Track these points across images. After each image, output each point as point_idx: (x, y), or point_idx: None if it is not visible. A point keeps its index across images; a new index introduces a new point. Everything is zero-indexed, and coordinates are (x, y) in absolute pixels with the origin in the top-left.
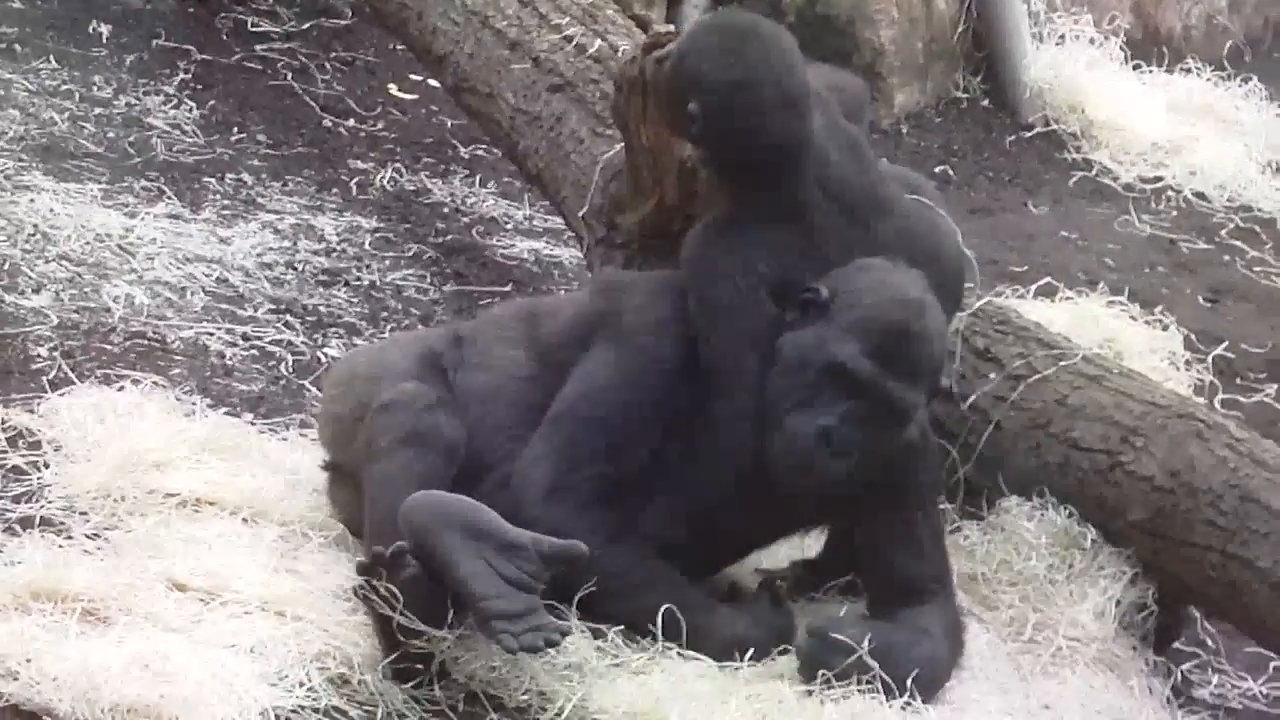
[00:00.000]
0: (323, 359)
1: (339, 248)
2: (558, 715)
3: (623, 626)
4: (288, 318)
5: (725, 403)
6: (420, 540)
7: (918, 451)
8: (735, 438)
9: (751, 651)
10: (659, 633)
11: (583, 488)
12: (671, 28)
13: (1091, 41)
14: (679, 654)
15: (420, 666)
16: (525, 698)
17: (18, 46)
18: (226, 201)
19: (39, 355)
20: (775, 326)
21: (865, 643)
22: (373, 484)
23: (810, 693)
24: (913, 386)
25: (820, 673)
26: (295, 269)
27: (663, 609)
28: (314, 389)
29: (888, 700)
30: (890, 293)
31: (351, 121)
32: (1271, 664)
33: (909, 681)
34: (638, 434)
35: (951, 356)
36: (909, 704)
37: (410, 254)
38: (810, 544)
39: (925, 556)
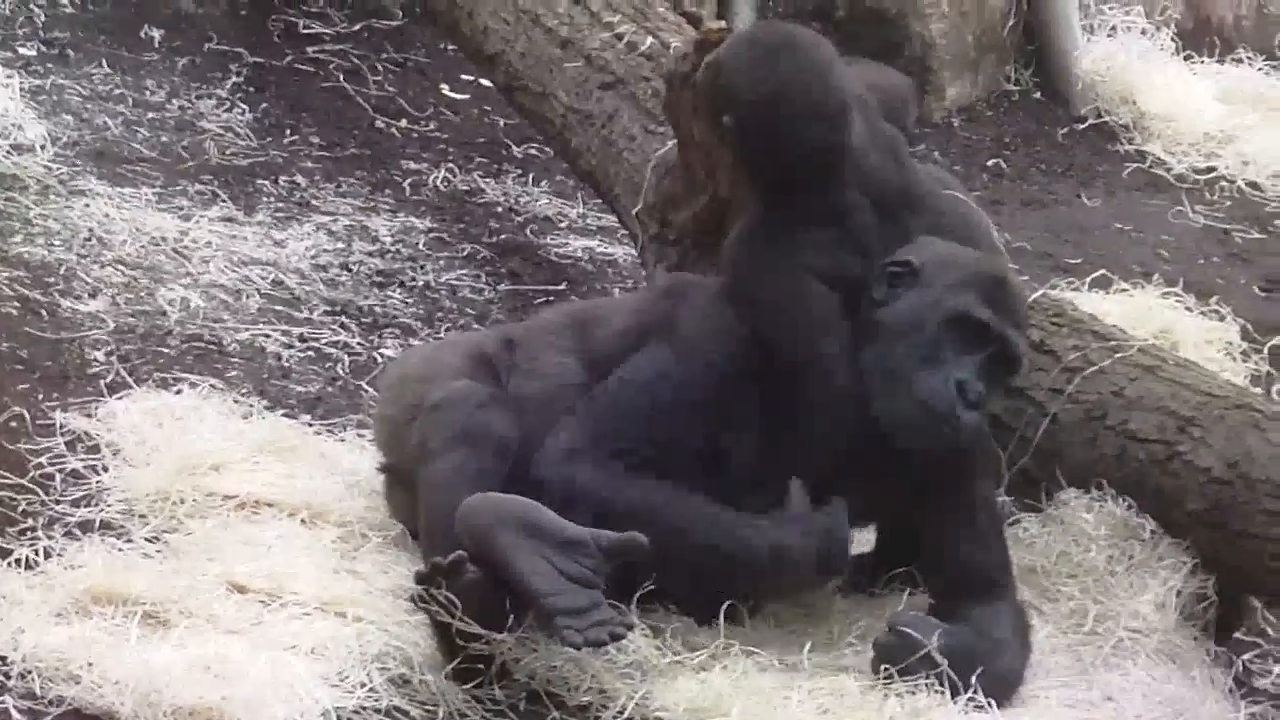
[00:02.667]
0: (379, 359)
1: (393, 248)
2: (619, 713)
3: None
4: (343, 319)
5: (814, 389)
6: (478, 542)
7: (978, 441)
8: (833, 420)
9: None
10: (694, 553)
11: (601, 453)
12: (724, 24)
13: (1143, 33)
14: (741, 650)
15: (481, 667)
16: (587, 696)
17: (70, 51)
18: (280, 204)
19: (96, 359)
20: (837, 309)
21: (935, 639)
22: (427, 485)
23: (874, 687)
24: (1020, 334)
25: (883, 668)
26: (350, 270)
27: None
28: (370, 390)
29: (954, 698)
30: (975, 253)
31: (404, 122)
32: None
33: (977, 681)
34: (674, 433)
35: None
36: (973, 700)
37: (464, 254)
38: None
39: (988, 547)
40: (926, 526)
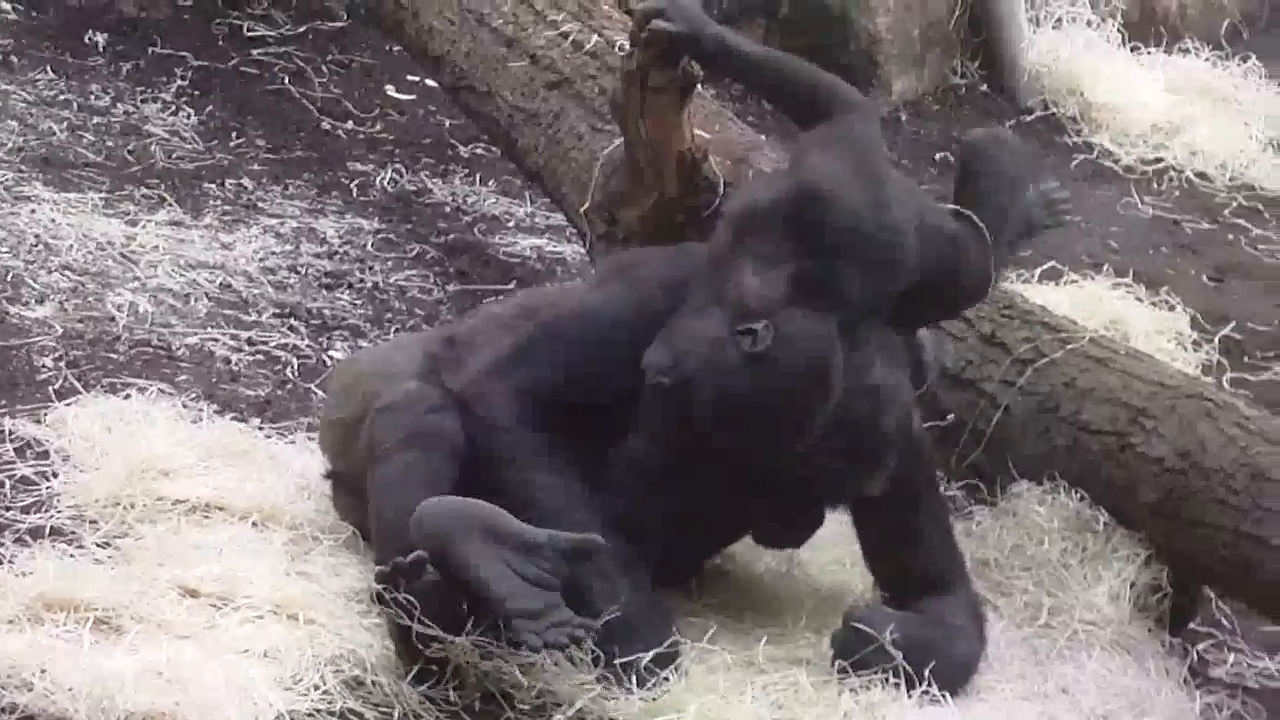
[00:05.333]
0: (328, 362)
1: (341, 250)
2: (573, 715)
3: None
4: (292, 321)
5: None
6: (435, 545)
7: (914, 445)
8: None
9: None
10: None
11: (519, 380)
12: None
13: (1089, 24)
14: (694, 647)
15: (435, 668)
16: (540, 698)
17: (14, 58)
18: (228, 207)
19: (44, 366)
20: None
21: (887, 634)
22: (377, 486)
23: (828, 682)
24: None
25: (837, 662)
26: (298, 272)
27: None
28: (320, 392)
29: (909, 692)
30: None
31: (350, 124)
32: None
33: (931, 673)
34: (603, 373)
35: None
36: (927, 693)
37: (413, 254)
38: None
39: (932, 550)
40: (869, 530)
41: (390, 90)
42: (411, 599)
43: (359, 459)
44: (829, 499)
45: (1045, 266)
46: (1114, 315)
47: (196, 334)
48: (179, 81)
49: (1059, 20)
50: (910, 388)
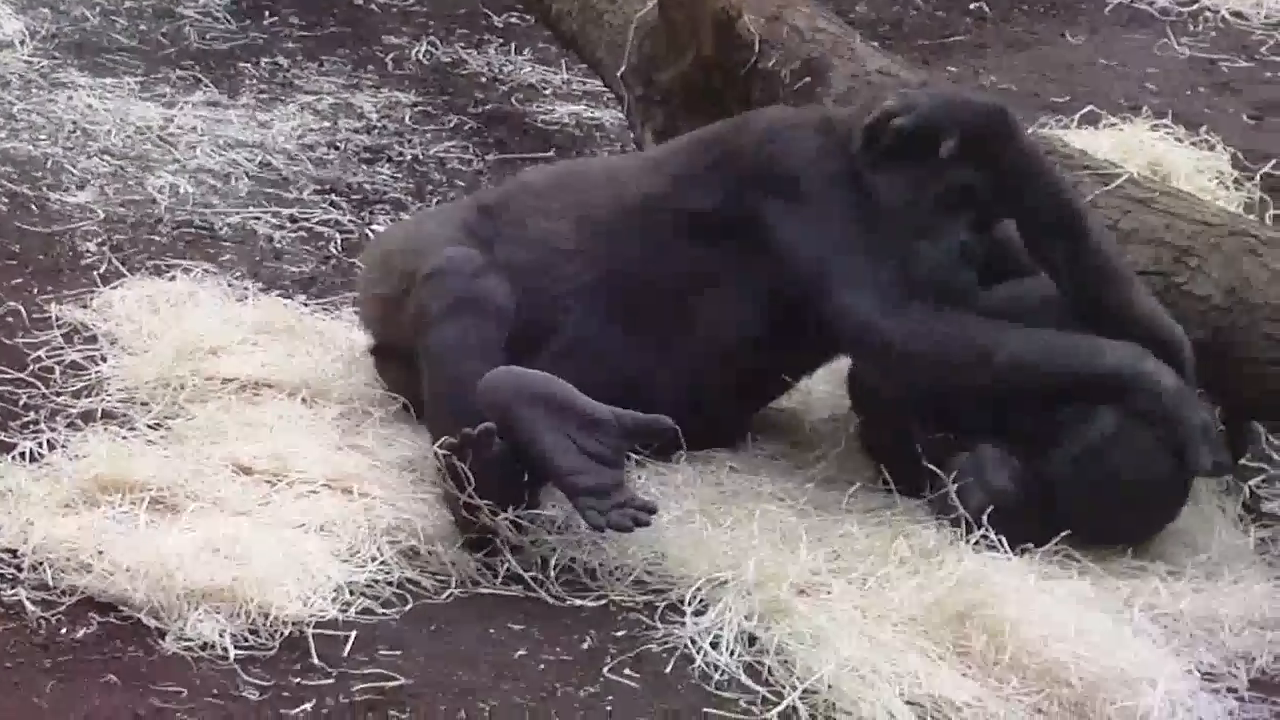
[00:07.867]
0: (370, 236)
1: (379, 124)
2: (635, 581)
3: None
4: (333, 197)
5: None
6: (500, 417)
7: None
8: None
9: None
10: None
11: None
12: None
13: None
14: (746, 501)
15: (492, 536)
16: (598, 560)
17: None
18: (263, 86)
19: (88, 251)
20: None
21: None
22: (430, 354)
23: (880, 526)
24: None
25: (887, 513)
26: (337, 148)
27: None
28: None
29: (966, 538)
30: None
31: None
32: None
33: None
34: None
35: None
36: (986, 538)
37: (451, 126)
38: None
39: None
40: None
41: None
42: (470, 470)
43: (406, 330)
44: None
45: (1084, 111)
46: (1154, 157)
47: (238, 213)
48: None
49: None
50: None
